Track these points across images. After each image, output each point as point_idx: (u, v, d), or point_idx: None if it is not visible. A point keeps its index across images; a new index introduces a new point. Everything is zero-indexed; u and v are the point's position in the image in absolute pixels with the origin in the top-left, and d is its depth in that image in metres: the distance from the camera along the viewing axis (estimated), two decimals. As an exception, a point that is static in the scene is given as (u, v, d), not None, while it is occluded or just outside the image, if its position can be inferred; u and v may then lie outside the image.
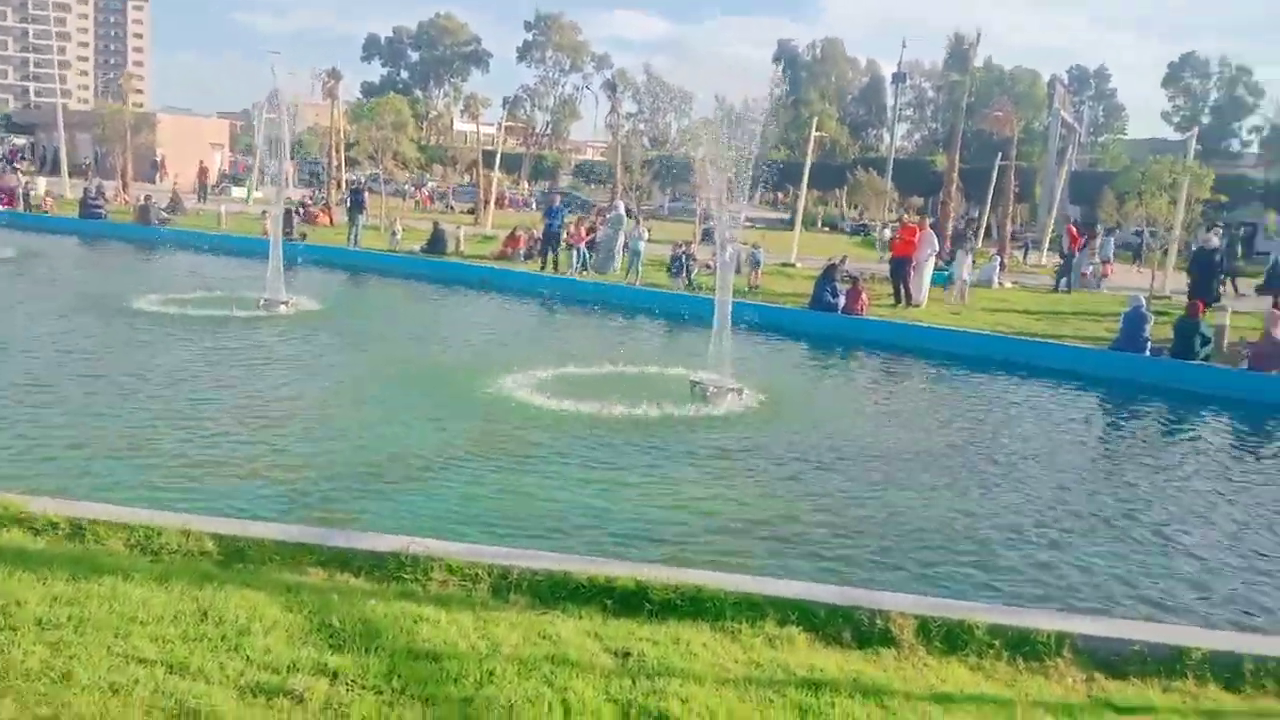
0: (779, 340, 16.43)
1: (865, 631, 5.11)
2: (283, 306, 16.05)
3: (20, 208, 30.99)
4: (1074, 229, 25.96)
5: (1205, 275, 19.36)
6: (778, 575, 5.93)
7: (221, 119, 66.83)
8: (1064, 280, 24.70)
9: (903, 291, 20.27)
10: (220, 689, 3.64)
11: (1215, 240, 20.88)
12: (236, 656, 3.95)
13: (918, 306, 19.89)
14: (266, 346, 13.33)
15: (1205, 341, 14.69)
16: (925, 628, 5.14)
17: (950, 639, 5.10)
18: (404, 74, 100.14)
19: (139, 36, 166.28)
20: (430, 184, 60.90)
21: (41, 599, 4.31)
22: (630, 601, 5.23)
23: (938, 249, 22.01)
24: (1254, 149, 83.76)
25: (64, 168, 40.55)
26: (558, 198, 28.81)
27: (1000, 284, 25.18)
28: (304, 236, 26.73)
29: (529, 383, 11.51)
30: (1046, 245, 36.95)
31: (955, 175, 32.95)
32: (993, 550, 7.12)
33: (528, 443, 9.17)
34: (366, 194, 29.07)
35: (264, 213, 28.09)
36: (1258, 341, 14.42)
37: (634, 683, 4.17)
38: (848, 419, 11.22)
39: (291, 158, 61.03)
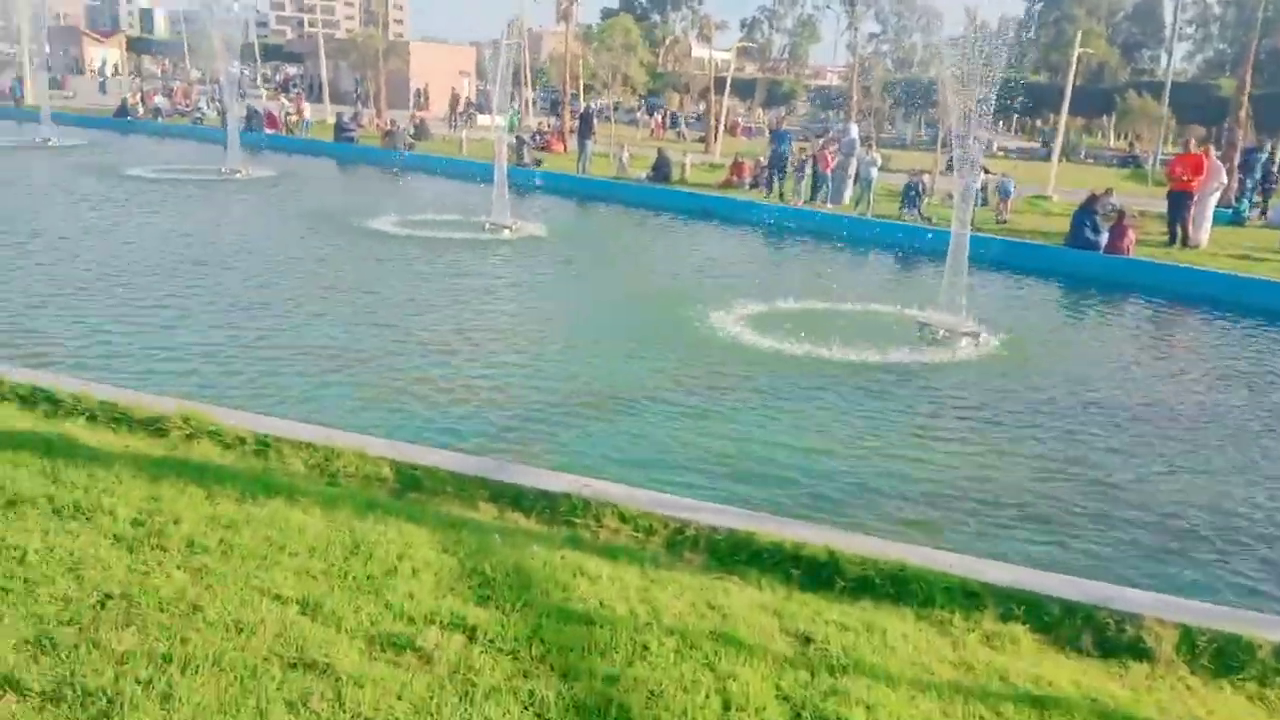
0: (1028, 280, 14.87)
1: (1110, 638, 4.21)
2: (506, 231, 16.18)
3: (282, 131, 33.33)
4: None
5: None
6: (1001, 558, 5.06)
7: (468, 48, 69.21)
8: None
9: (1179, 231, 17.80)
10: (347, 638, 3.33)
11: None
12: (375, 600, 3.65)
13: (1195, 248, 17.42)
14: (485, 270, 13.42)
15: None
16: (1190, 640, 4.18)
17: (1223, 658, 4.12)
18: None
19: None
20: (659, 110, 60.66)
21: (200, 519, 4.19)
22: (819, 573, 4.57)
23: (1224, 183, 19.14)
24: None
25: (325, 94, 43.34)
26: (783, 122, 27.51)
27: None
28: (539, 163, 27.05)
29: (742, 317, 10.95)
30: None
31: (1245, 99, 28.72)
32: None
33: (732, 382, 8.60)
34: (595, 120, 28.95)
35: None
36: None
37: (812, 677, 3.53)
38: (1105, 373, 9.82)
39: (532, 86, 62.87)
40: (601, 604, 3.91)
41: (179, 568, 3.70)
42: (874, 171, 21.17)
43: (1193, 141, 21.31)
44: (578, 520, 4.99)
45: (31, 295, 10.21)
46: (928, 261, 15.42)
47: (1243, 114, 28.06)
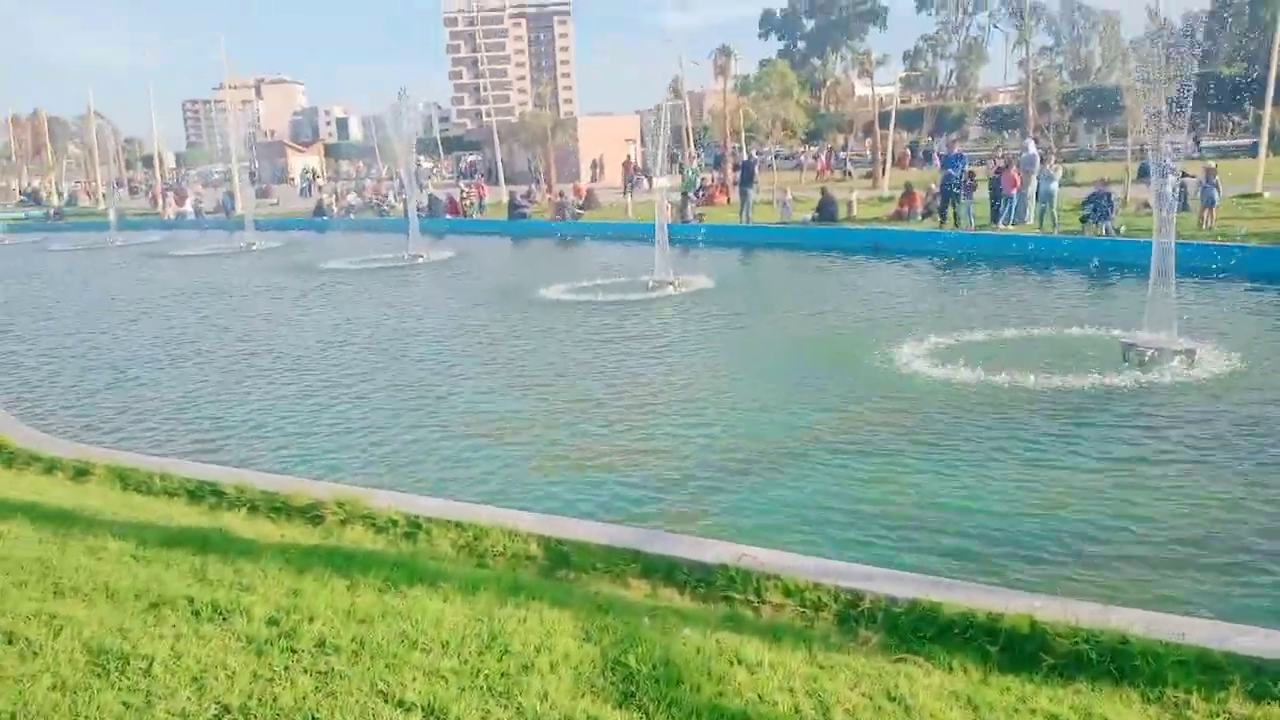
0: (1244, 289, 13.28)
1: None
2: (670, 287, 16.02)
3: (462, 215, 34.87)
4: None
5: None
6: (1247, 621, 4.20)
7: (631, 116, 70.95)
8: None
9: None
10: (470, 753, 2.99)
11: None
12: (506, 705, 3.30)
13: None
14: (648, 327, 13.22)
15: None
16: None
17: None
18: (800, 44, 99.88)
19: (564, 50, 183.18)
20: (823, 150, 59.82)
21: (337, 614, 4.01)
22: (1021, 649, 3.90)
23: None
24: None
25: (500, 175, 45.19)
26: (956, 145, 26.31)
27: None
28: (700, 217, 26.99)
29: (920, 352, 10.28)
30: None
31: None
32: None
33: (913, 425, 7.91)
34: (756, 168, 28.68)
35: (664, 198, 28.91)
36: None
37: (1018, 787, 2.90)
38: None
39: (696, 144, 63.58)
40: (761, 698, 3.42)
41: (305, 671, 3.49)
42: (1054, 186, 19.82)
43: None
44: (737, 595, 4.52)
45: (234, 389, 10.74)
46: (1125, 277, 14.09)
47: None
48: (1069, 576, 5.05)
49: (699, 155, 61.55)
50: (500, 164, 49.38)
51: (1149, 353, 9.17)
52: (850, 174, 46.78)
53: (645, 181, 49.85)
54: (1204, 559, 5.21)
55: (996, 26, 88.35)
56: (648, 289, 15.96)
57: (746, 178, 26.63)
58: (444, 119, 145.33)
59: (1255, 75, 38.67)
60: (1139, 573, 5.09)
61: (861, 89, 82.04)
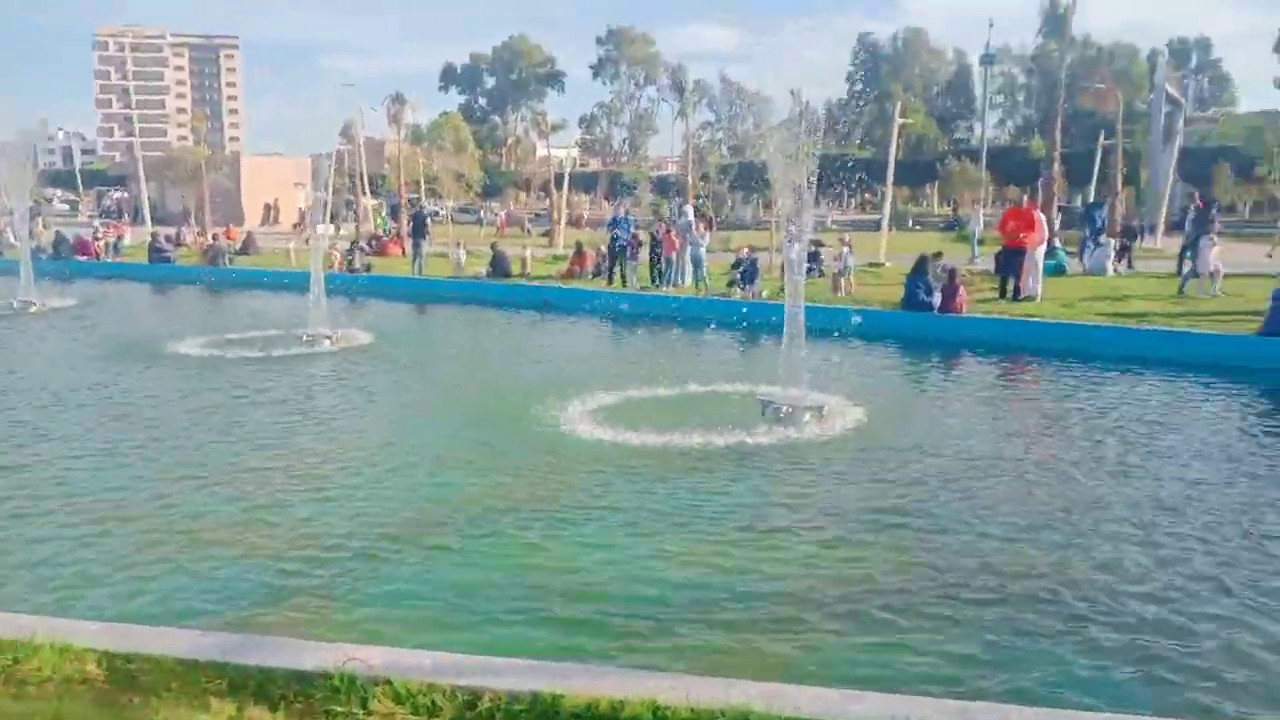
0: (868, 346, 14.61)
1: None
2: (326, 341, 15.01)
3: (94, 257, 31.15)
4: (1202, 204, 23.17)
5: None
6: (872, 682, 4.23)
7: (305, 158, 67.77)
8: (1187, 264, 22.00)
9: (1012, 285, 18.04)
10: None
11: None
12: None
13: (1032, 299, 17.64)
14: (296, 386, 12.16)
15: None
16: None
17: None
18: (481, 100, 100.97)
19: (232, 85, 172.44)
20: (502, 208, 60.49)
21: None
22: (643, 741, 3.63)
23: (1047, 236, 19.60)
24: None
25: (146, 214, 41.13)
26: (623, 209, 27.37)
27: (1115, 270, 22.71)
28: (369, 268, 25.95)
29: (581, 412, 10.19)
30: (1162, 229, 33.84)
31: (1057, 155, 30.38)
32: (1192, 634, 5.29)
33: (567, 488, 7.69)
34: (429, 221, 28.14)
35: (333, 247, 27.55)
36: None
37: None
38: (952, 437, 9.37)
39: (374, 193, 61.82)
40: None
41: None
42: (702, 251, 21.15)
43: (1024, 199, 21.99)
44: (339, 709, 3.92)
45: None
46: (769, 337, 15.03)
47: (1056, 170, 29.56)
48: (704, 645, 4.94)
49: (381, 203, 59.91)
50: (147, 201, 45.05)
51: (784, 409, 9.65)
52: (529, 231, 47.52)
53: (317, 227, 47.63)
54: (828, 620, 5.32)
55: (664, 100, 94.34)
56: (301, 343, 14.83)
57: (419, 229, 26.02)
58: (87, 151, 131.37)
59: (884, 159, 43.99)
60: (767, 638, 5.08)
61: (543, 149, 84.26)
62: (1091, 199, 36.78)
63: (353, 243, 28.38)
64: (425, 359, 14.60)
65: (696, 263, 21.01)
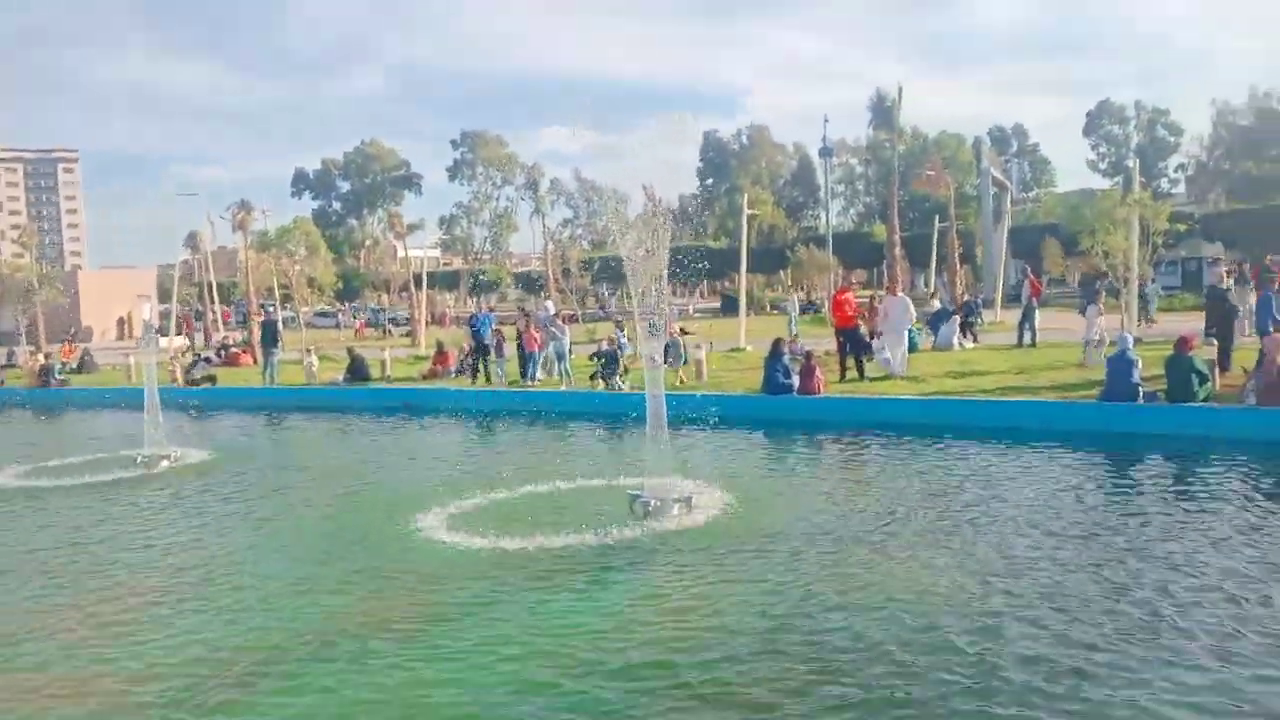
0: (732, 432, 14.59)
1: None
2: (164, 462, 14.00)
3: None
4: (1034, 278, 24.64)
5: (1222, 315, 17.06)
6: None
7: (148, 270, 65.04)
8: (1027, 334, 23.25)
9: (849, 364, 18.44)
10: None
11: (1226, 277, 19.48)
12: None
13: (895, 377, 18.02)
14: (124, 515, 11.17)
15: (1203, 380, 13.11)
16: None
17: None
18: (336, 204, 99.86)
19: (72, 199, 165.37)
20: (361, 311, 59.33)
21: None
22: None
23: (912, 315, 20.17)
24: (1181, 187, 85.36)
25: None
26: (484, 307, 27.13)
27: (961, 345, 23.71)
28: (212, 380, 24.70)
29: (443, 518, 9.73)
30: (999, 302, 35.84)
31: (897, 238, 31.90)
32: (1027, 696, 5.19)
33: (429, 602, 7.28)
34: (279, 327, 27.14)
35: (174, 359, 26.19)
36: (1261, 372, 12.79)
37: None
38: (814, 519, 9.31)
39: (224, 302, 59.66)
40: None
41: None
42: (565, 343, 21.04)
43: (857, 284, 22.77)
44: None
45: None
46: (635, 428, 14.89)
47: (897, 253, 30.98)
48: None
49: (233, 309, 57.78)
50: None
51: (652, 502, 9.42)
52: (390, 332, 46.63)
53: (158, 340, 45.45)
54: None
55: (522, 199, 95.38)
56: (136, 465, 13.78)
57: (269, 337, 25.02)
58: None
59: (736, 248, 45.19)
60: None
61: (401, 250, 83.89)
62: (933, 279, 38.84)
63: (196, 354, 27.04)
64: (275, 474, 13.78)
65: (560, 356, 20.86)
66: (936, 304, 26.66)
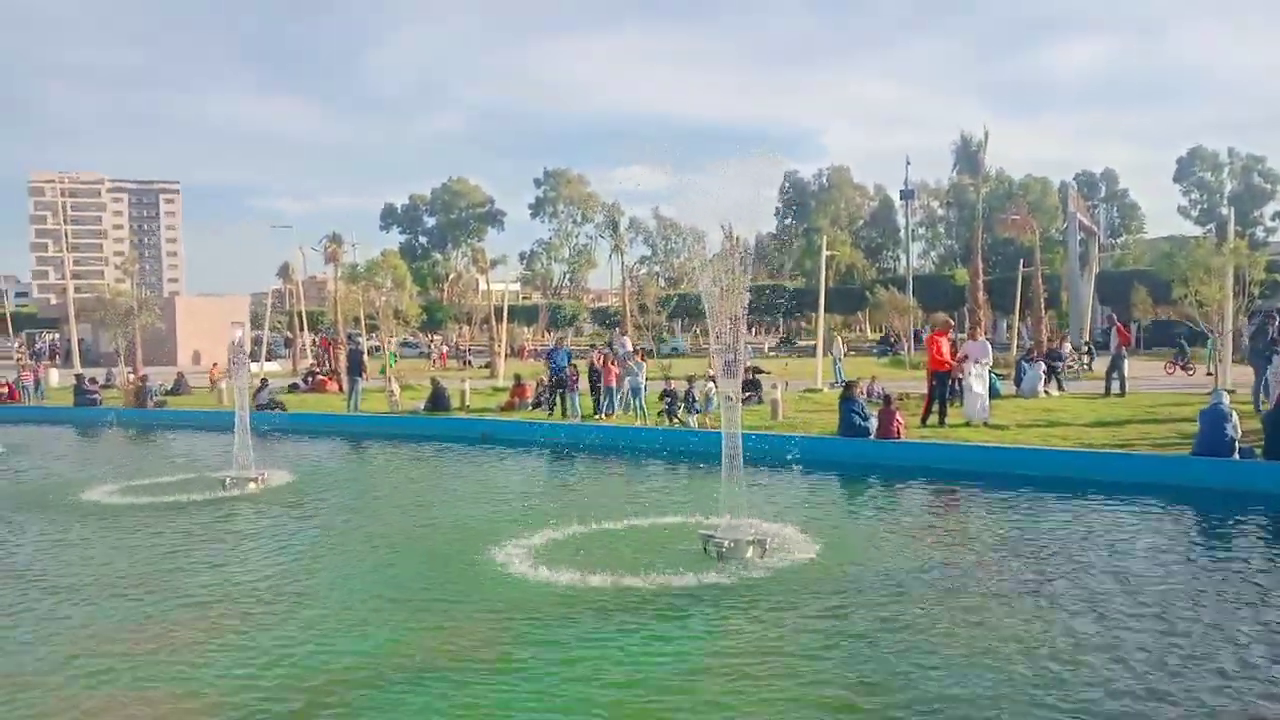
0: (809, 474, 14.36)
1: None
2: (251, 484, 14.34)
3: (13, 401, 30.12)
4: (1122, 326, 23.85)
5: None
6: None
7: (242, 298, 67.28)
8: (1115, 383, 22.50)
9: (935, 409, 17.95)
10: None
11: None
12: None
13: (978, 425, 17.50)
14: (220, 534, 11.49)
15: (1306, 436, 12.49)
16: None
17: None
18: (422, 239, 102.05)
19: (171, 229, 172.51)
20: (436, 342, 60.33)
21: None
22: None
23: (990, 358, 19.48)
24: (1279, 236, 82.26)
25: (76, 356, 40.08)
26: (562, 340, 27.33)
27: (1046, 393, 23.03)
28: (281, 406, 25.37)
29: (524, 550, 9.75)
30: (1085, 350, 34.81)
31: (980, 282, 31.30)
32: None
33: (510, 637, 7.22)
34: (365, 356, 27.76)
35: (263, 384, 26.95)
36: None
37: None
38: (893, 568, 9.08)
39: (315, 330, 61.38)
40: None
41: None
42: (640, 380, 21.04)
43: (951, 326, 22.06)
44: None
45: None
46: (711, 467, 14.80)
47: (980, 297, 30.36)
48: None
49: (316, 338, 59.42)
50: (77, 343, 44.10)
51: (726, 543, 9.30)
52: (470, 363, 47.27)
53: (251, 366, 46.91)
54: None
55: (601, 236, 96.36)
56: (223, 487, 14.15)
57: (354, 366, 25.61)
58: (21, 294, 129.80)
59: (815, 289, 45.05)
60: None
61: (483, 284, 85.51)
62: (1016, 324, 37.94)
63: (264, 380, 27.81)
64: (358, 500, 13.99)
65: (635, 392, 20.89)
66: (1020, 350, 26.00)
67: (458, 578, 9.04)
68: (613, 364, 22.11)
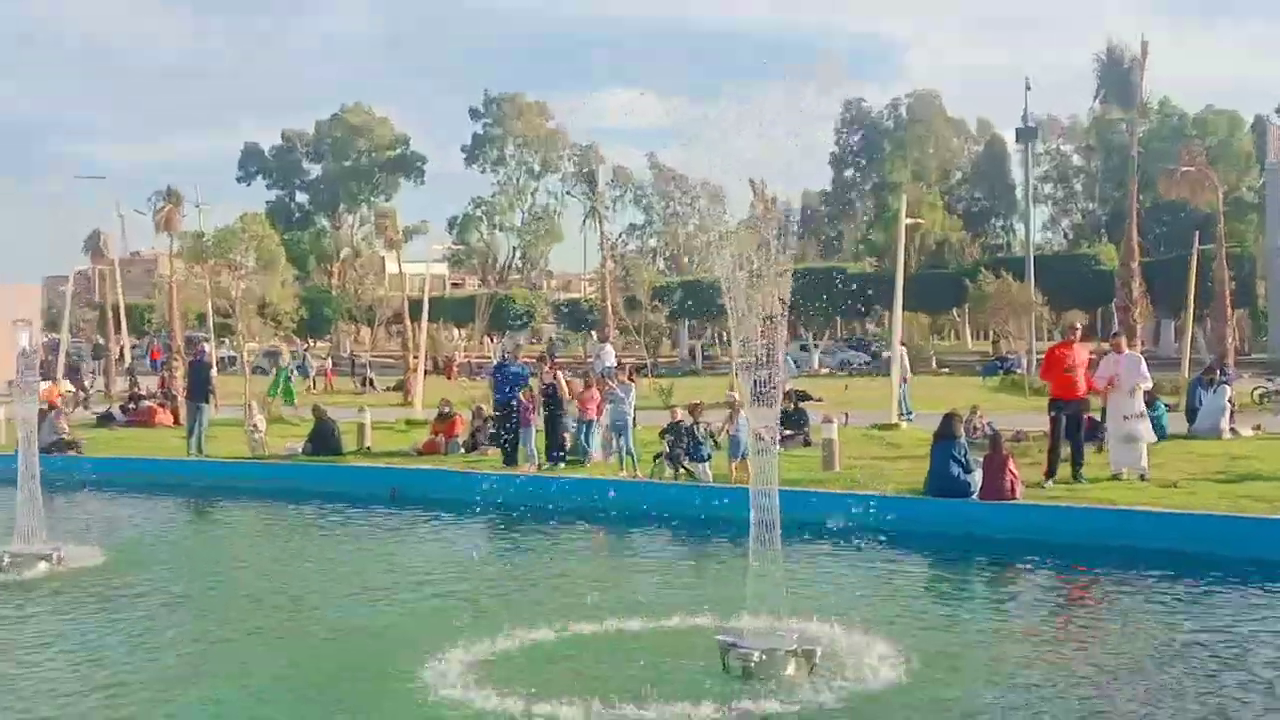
0: (881, 549, 14.38)
1: None
2: (42, 564, 14.38)
3: None
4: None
5: None
6: None
7: (29, 286, 67.05)
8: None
9: (1061, 454, 17.79)
10: None
11: None
12: None
13: (1132, 479, 17.49)
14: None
15: None
16: None
17: None
18: (300, 196, 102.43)
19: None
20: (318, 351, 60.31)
21: None
22: None
23: (1148, 381, 19.20)
24: None
25: None
26: (514, 352, 27.39)
27: (1233, 431, 23.12)
28: (75, 447, 25.35)
29: (462, 665, 9.81)
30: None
31: (1135, 266, 31.48)
32: None
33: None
34: (214, 372, 27.68)
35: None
36: None
37: None
38: (1018, 693, 9.12)
39: (136, 332, 61.35)
40: None
41: None
42: (628, 412, 21.00)
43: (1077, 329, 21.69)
44: None
45: None
46: (735, 537, 14.85)
47: (1135, 288, 30.53)
48: None
49: (153, 343, 59.45)
50: None
51: (755, 655, 9.32)
52: (371, 384, 47.35)
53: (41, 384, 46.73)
54: None
55: (570, 194, 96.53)
56: (2, 566, 14.18)
57: (198, 388, 25.60)
58: None
59: (888, 273, 44.86)
60: None
61: (392, 265, 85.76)
62: (1189, 328, 38.15)
63: (48, 406, 27.70)
64: (206, 589, 13.98)
65: (620, 428, 20.84)
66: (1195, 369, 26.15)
67: (376, 708, 9.08)
68: (595, 386, 22.18)
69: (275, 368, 40.46)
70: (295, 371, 42.89)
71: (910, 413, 27.38)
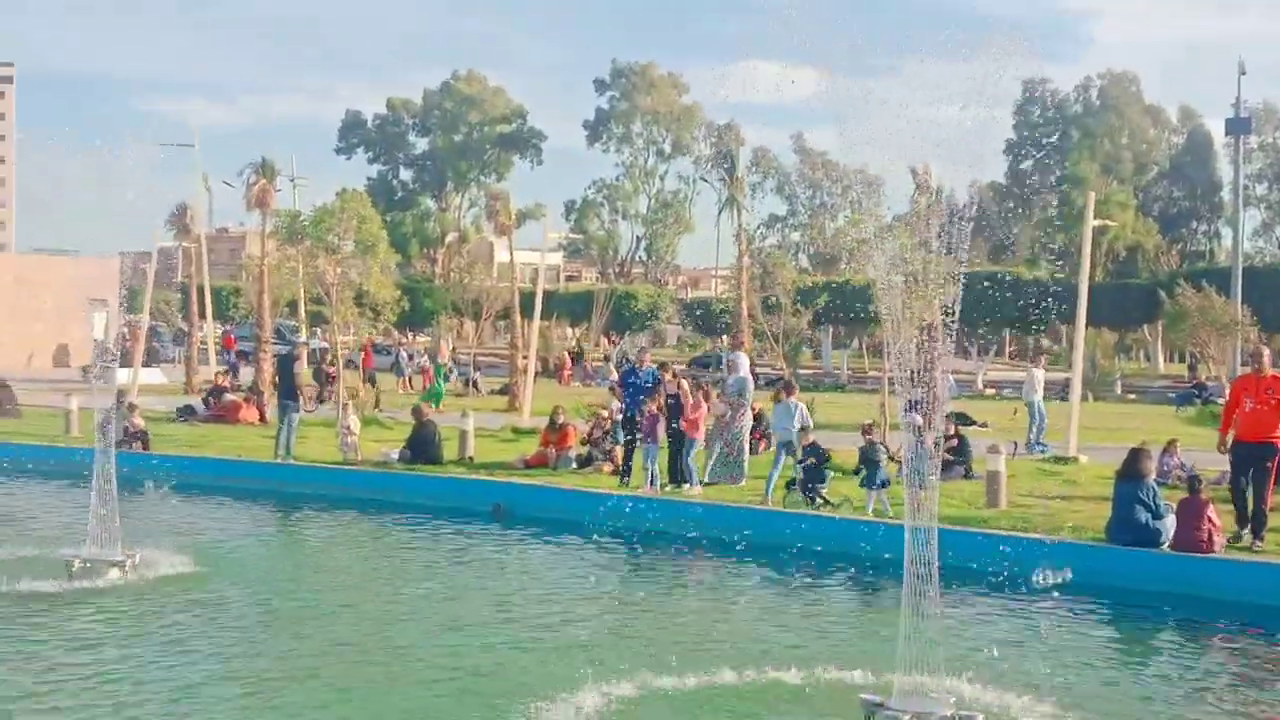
0: (1054, 600, 14.21)
1: None
2: (114, 571, 14.80)
3: None
4: None
5: None
6: None
7: (107, 259, 68.86)
8: None
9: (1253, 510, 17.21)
10: None
11: None
12: None
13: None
14: (54, 660, 11.79)
15: None
16: None
17: None
18: (404, 173, 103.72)
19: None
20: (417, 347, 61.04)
21: None
22: None
23: None
24: None
25: None
26: (639, 356, 27.32)
27: None
28: (142, 440, 26.00)
29: (567, 713, 9.91)
30: None
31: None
32: None
33: None
34: (299, 366, 28.09)
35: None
36: None
37: None
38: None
39: (220, 317, 62.55)
40: None
41: None
42: (794, 427, 20.78)
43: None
44: None
45: None
46: (883, 580, 14.81)
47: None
48: None
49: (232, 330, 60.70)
50: None
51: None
52: (477, 387, 47.67)
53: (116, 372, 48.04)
54: None
55: (704, 179, 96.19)
56: (69, 574, 14.60)
57: (286, 384, 26.03)
58: None
59: (1070, 283, 44.02)
60: None
61: (502, 253, 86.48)
62: None
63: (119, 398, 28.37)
64: (294, 611, 14.25)
65: (784, 447, 20.68)
66: None
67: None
68: (706, 399, 22.16)
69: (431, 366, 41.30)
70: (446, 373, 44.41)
71: (1045, 445, 27.13)
